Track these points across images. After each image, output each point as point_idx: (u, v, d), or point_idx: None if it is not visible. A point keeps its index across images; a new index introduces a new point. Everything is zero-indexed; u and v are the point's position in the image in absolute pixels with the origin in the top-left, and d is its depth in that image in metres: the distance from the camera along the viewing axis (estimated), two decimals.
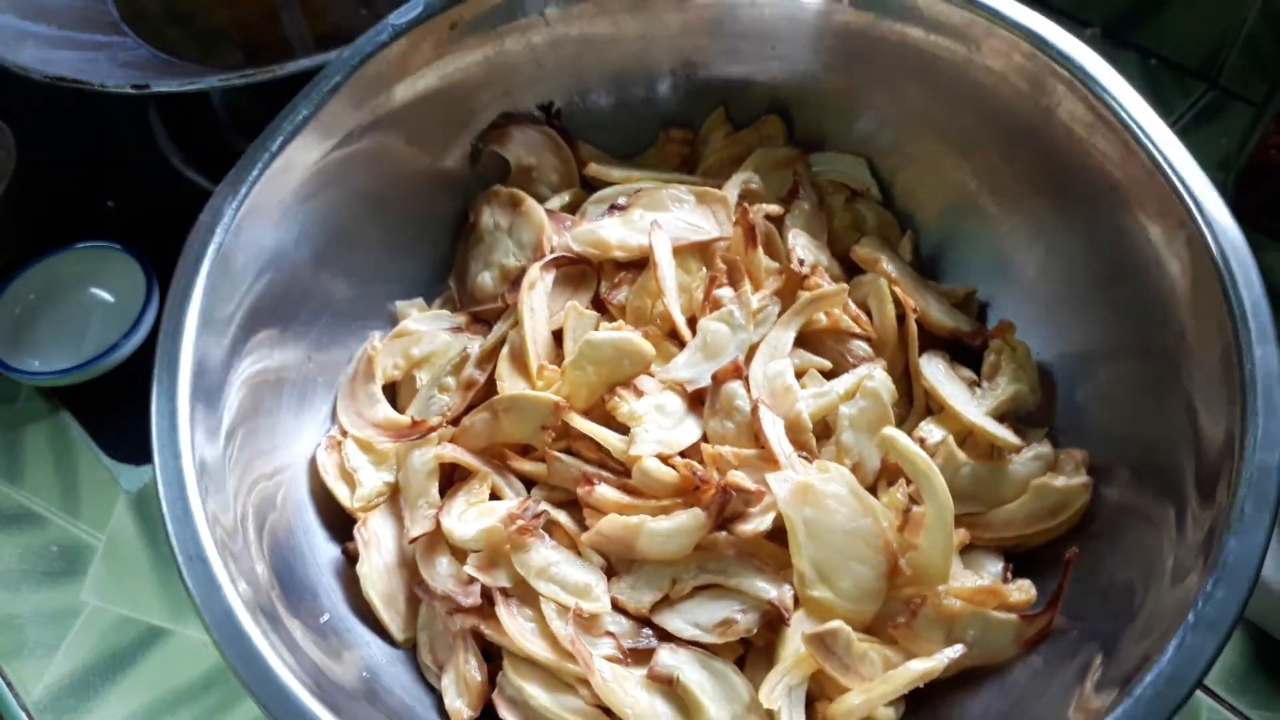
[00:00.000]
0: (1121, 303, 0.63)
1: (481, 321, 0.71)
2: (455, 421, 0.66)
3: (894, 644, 0.57)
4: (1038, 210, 0.67)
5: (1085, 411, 0.65)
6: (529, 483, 0.64)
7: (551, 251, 0.68)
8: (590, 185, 0.75)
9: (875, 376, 0.62)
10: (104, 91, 0.74)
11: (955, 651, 0.56)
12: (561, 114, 0.75)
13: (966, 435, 0.64)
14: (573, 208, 0.74)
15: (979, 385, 0.66)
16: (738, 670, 0.57)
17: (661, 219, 0.68)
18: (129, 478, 0.80)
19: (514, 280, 0.69)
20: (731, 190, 0.70)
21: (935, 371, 0.65)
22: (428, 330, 0.70)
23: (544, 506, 0.60)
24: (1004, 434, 0.63)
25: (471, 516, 0.61)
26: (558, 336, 0.67)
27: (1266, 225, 0.85)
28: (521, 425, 0.63)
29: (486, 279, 0.71)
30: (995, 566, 0.61)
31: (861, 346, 0.66)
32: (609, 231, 0.68)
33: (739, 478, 0.58)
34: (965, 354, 0.69)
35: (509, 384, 0.64)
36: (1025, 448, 0.63)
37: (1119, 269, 0.62)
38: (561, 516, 0.61)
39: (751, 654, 0.58)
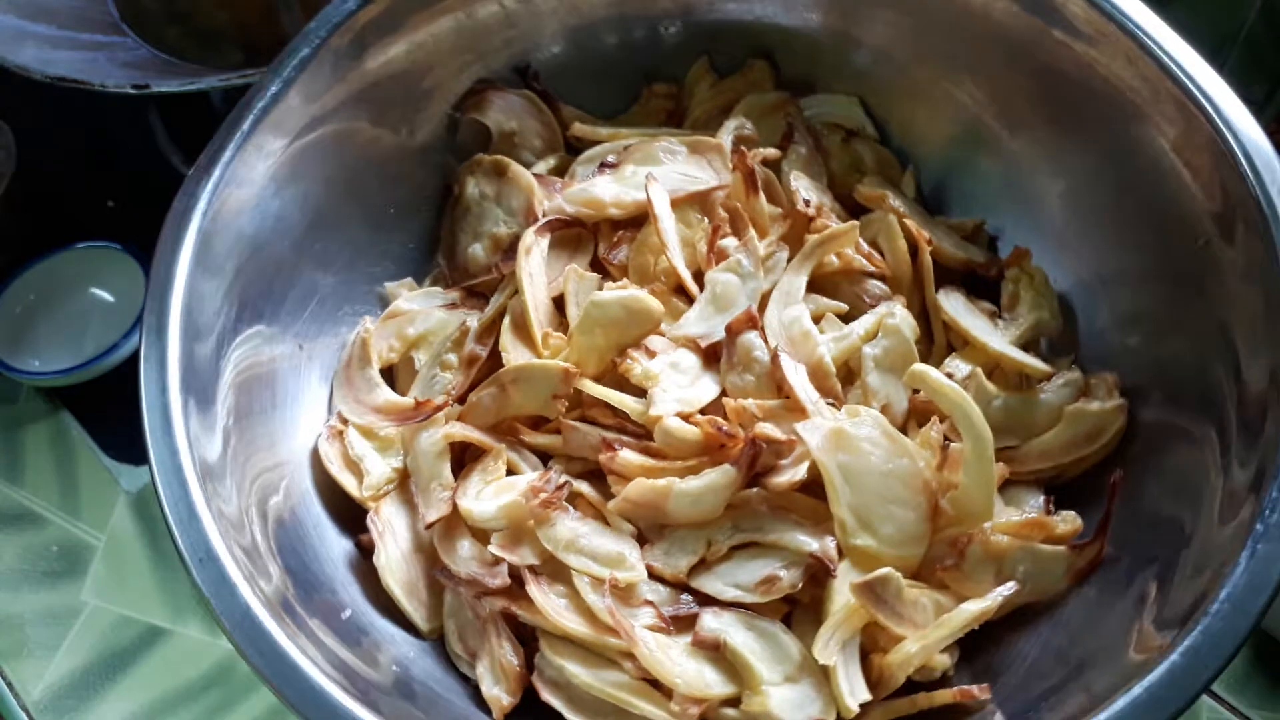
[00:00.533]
0: (1139, 221, 0.61)
1: (477, 295, 0.68)
2: (461, 400, 0.63)
3: (944, 588, 0.55)
4: (1042, 132, 0.65)
5: (1110, 337, 0.63)
6: (544, 457, 0.62)
7: (544, 215, 0.66)
8: (575, 149, 0.73)
9: (896, 313, 0.60)
10: (104, 91, 0.73)
11: (1008, 589, 0.53)
12: (540, 76, 0.72)
13: (993, 368, 0.62)
14: (560, 171, 0.71)
15: (1000, 317, 0.64)
16: (786, 629, 0.54)
17: (656, 172, 0.65)
18: (129, 478, 0.79)
19: (507, 249, 0.66)
20: (726, 137, 0.67)
21: (955, 305, 0.63)
22: (421, 309, 0.67)
23: (565, 478, 0.58)
24: (1032, 361, 0.61)
25: (490, 494, 0.58)
26: (559, 304, 0.64)
27: None
28: (532, 397, 0.60)
29: (478, 250, 0.68)
30: (1037, 500, 0.59)
31: (877, 285, 0.64)
32: (602, 189, 0.65)
33: (767, 429, 0.55)
34: (981, 288, 0.67)
35: (514, 355, 0.61)
36: (1055, 374, 0.61)
37: (1133, 185, 0.61)
38: (584, 487, 0.58)
39: (797, 611, 0.56)
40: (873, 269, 0.64)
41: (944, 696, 0.52)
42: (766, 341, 0.59)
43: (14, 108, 0.89)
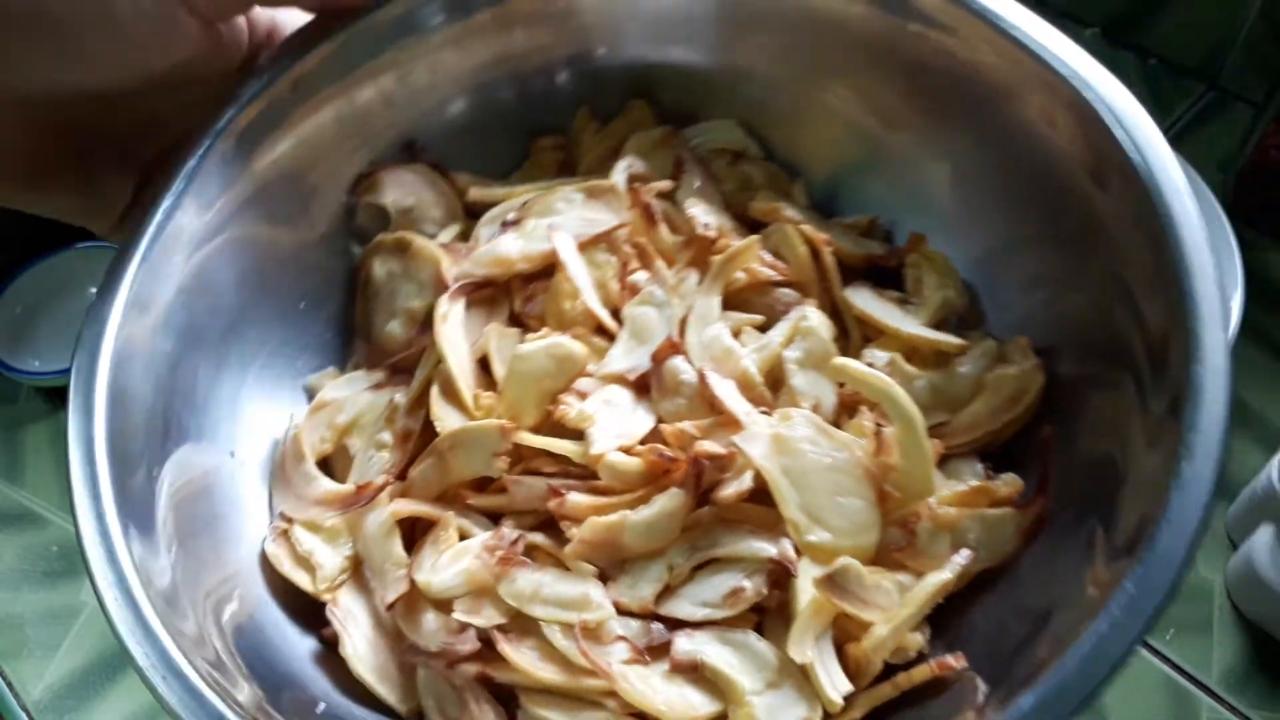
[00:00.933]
0: (1023, 190, 0.63)
1: (401, 372, 0.68)
2: (402, 476, 0.63)
3: (903, 568, 0.56)
4: (918, 124, 0.68)
5: (1015, 303, 0.65)
6: (495, 517, 0.62)
7: (454, 281, 0.66)
8: (475, 213, 0.74)
9: (809, 315, 0.62)
10: None
11: (963, 557, 0.55)
12: (426, 149, 0.74)
13: (910, 351, 0.64)
14: (464, 237, 0.72)
15: (908, 303, 0.66)
16: (759, 637, 0.55)
17: (557, 222, 0.66)
18: None
19: (423, 321, 0.67)
20: (618, 177, 0.69)
21: (863, 298, 0.65)
22: (348, 395, 0.67)
23: (519, 532, 0.58)
24: (945, 338, 0.63)
25: (445, 563, 0.58)
26: (484, 365, 0.65)
27: (1266, 225, 0.87)
28: (472, 459, 0.60)
29: (395, 328, 0.68)
30: (975, 469, 0.60)
31: (787, 293, 0.65)
32: (507, 247, 0.66)
33: (707, 446, 0.56)
34: (887, 280, 0.69)
35: (447, 421, 0.62)
36: (969, 347, 0.63)
37: (1011, 158, 0.63)
38: (539, 538, 0.58)
39: (768, 619, 0.56)
40: (779, 277, 0.65)
41: (922, 673, 0.53)
42: (691, 363, 0.61)
43: None
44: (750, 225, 0.71)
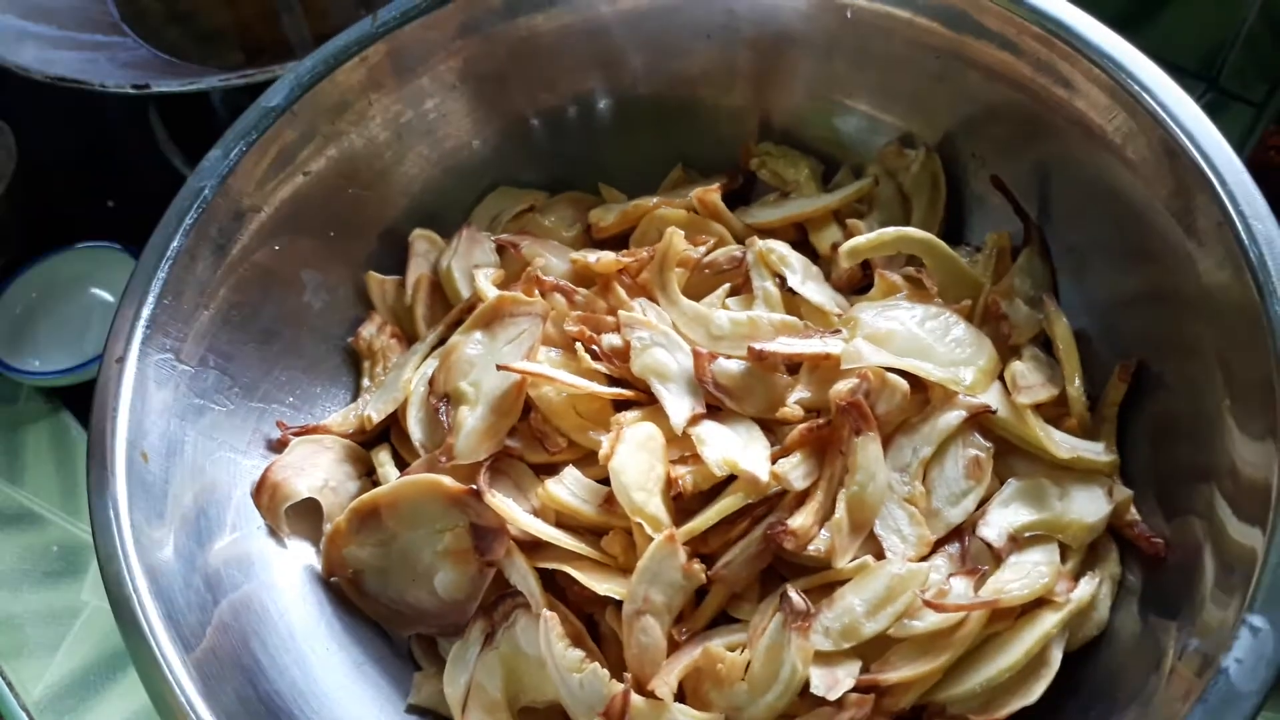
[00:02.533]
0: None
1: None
2: None
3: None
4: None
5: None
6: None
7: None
8: None
9: (759, 244, 0.64)
10: (104, 92, 0.74)
11: None
12: None
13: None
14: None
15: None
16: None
17: (476, 375, 0.61)
18: None
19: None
20: (486, 288, 0.65)
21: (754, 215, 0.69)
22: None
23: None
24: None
25: None
26: None
27: None
28: (664, 581, 0.54)
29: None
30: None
31: (724, 253, 0.66)
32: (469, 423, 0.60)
33: (843, 388, 0.55)
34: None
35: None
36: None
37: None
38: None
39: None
40: (705, 249, 0.65)
41: None
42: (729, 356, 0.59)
43: (14, 108, 0.90)
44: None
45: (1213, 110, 0.82)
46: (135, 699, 0.70)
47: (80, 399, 0.82)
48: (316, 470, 0.62)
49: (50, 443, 0.81)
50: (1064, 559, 0.54)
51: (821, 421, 0.55)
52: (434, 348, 0.66)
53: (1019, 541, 0.54)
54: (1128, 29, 0.95)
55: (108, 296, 0.85)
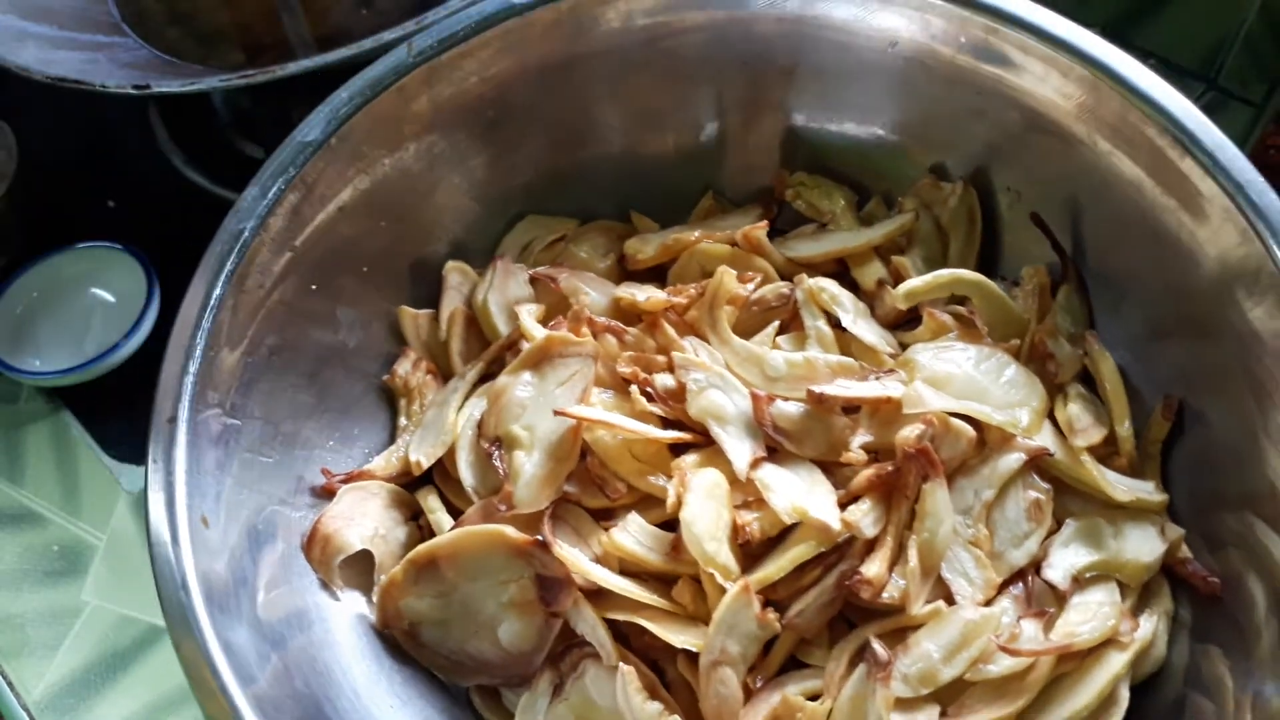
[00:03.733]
0: None
1: None
2: None
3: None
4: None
5: None
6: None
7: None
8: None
9: (808, 283, 0.64)
10: (104, 92, 0.73)
11: None
12: None
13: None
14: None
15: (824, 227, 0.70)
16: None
17: (530, 419, 0.61)
18: (130, 477, 0.79)
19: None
20: (533, 326, 0.64)
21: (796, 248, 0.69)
22: None
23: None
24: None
25: None
26: None
27: None
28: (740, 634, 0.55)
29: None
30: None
31: (773, 289, 0.66)
32: (528, 470, 0.59)
33: (909, 435, 0.55)
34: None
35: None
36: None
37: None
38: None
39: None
40: (755, 286, 0.65)
41: None
42: (786, 399, 0.59)
43: (14, 108, 0.90)
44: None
45: (1212, 110, 0.85)
46: (135, 699, 0.70)
47: (81, 399, 0.82)
48: (366, 519, 0.61)
49: (51, 442, 0.81)
50: (1121, 597, 0.56)
51: (889, 468, 0.56)
52: (474, 385, 0.65)
53: (1080, 582, 0.56)
54: (1126, 29, 0.97)
55: (108, 296, 0.85)
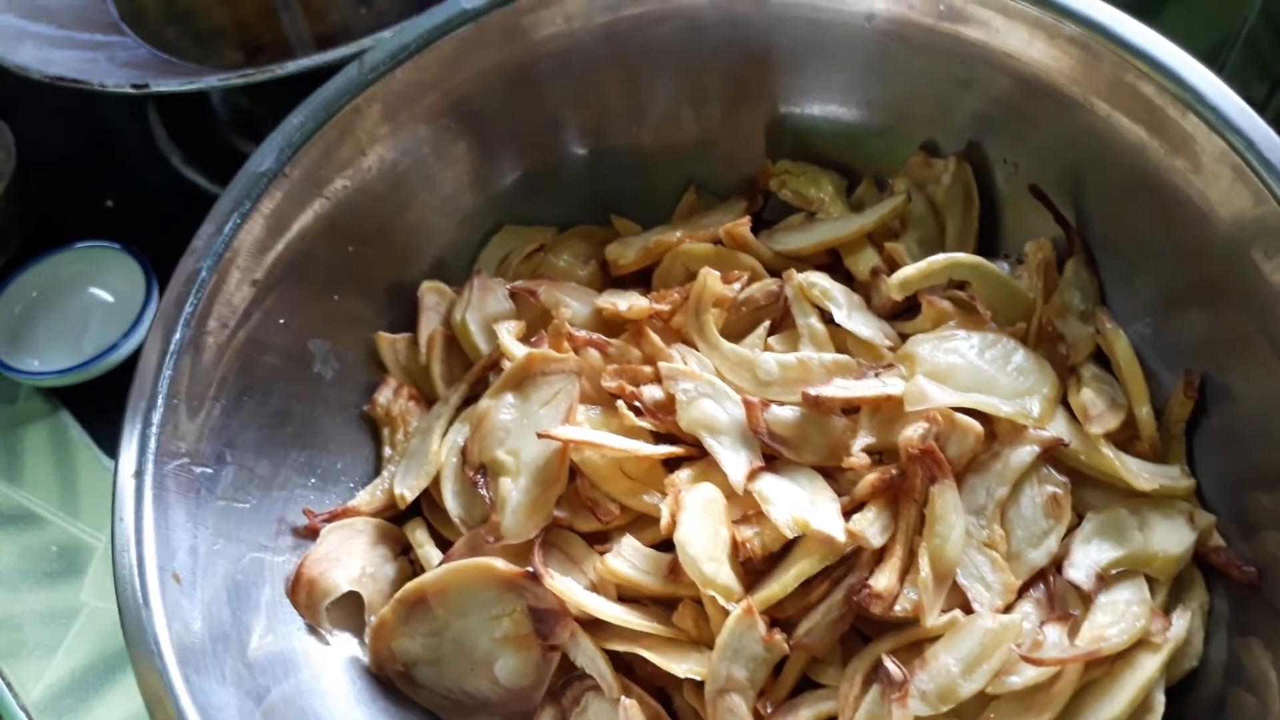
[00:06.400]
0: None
1: None
2: None
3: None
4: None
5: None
6: None
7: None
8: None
9: (797, 278, 0.61)
10: (104, 91, 0.73)
11: None
12: None
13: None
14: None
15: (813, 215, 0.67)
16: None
17: (513, 443, 0.58)
18: None
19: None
20: (511, 344, 0.62)
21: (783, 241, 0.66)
22: None
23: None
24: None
25: None
26: None
27: None
28: (744, 657, 0.52)
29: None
30: None
31: (760, 287, 0.63)
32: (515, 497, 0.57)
33: (912, 435, 0.52)
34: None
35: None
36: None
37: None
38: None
39: None
40: (740, 286, 0.61)
41: None
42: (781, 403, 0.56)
43: (14, 108, 0.90)
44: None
45: None
46: (134, 699, 0.66)
47: (80, 399, 0.82)
48: (352, 558, 0.58)
49: (49, 443, 0.81)
50: (1151, 593, 0.52)
51: (893, 471, 0.53)
52: (457, 409, 0.62)
53: (1106, 580, 0.52)
54: None
55: (107, 296, 0.84)
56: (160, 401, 0.53)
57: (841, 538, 0.51)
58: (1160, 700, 0.50)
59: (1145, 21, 0.91)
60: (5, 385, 0.83)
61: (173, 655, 0.48)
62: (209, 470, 0.55)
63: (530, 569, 0.54)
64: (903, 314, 0.62)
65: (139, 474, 0.51)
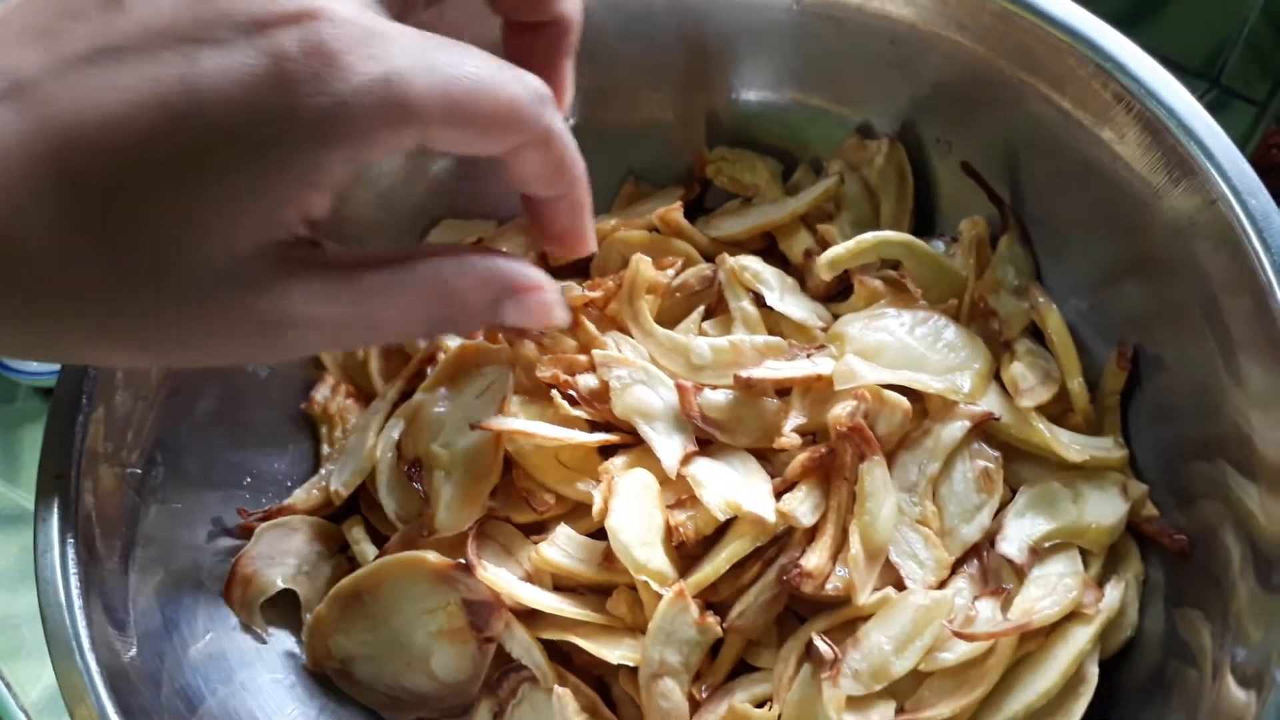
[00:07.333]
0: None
1: None
2: None
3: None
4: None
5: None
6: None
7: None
8: None
9: (729, 261, 0.60)
10: None
11: None
12: None
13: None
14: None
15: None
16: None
17: (447, 436, 0.57)
18: None
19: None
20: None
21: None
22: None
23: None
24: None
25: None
26: None
27: None
28: (677, 640, 0.52)
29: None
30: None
31: (695, 273, 0.62)
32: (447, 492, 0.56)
33: (840, 413, 0.52)
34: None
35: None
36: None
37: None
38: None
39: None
40: (675, 272, 0.61)
41: None
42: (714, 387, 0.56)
43: None
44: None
45: (1215, 109, 0.80)
46: None
47: None
48: (288, 556, 0.58)
49: None
50: (1085, 565, 0.52)
51: (823, 450, 0.52)
52: (395, 405, 0.62)
53: (1039, 553, 0.52)
54: (1129, 27, 0.93)
55: None
56: (84, 401, 0.52)
57: (772, 518, 0.51)
58: (1094, 672, 0.49)
59: (1146, 21, 0.92)
60: (4, 385, 0.83)
61: (94, 660, 0.47)
62: (137, 471, 0.54)
63: (462, 560, 0.53)
64: (838, 296, 0.62)
65: (62, 475, 0.51)
